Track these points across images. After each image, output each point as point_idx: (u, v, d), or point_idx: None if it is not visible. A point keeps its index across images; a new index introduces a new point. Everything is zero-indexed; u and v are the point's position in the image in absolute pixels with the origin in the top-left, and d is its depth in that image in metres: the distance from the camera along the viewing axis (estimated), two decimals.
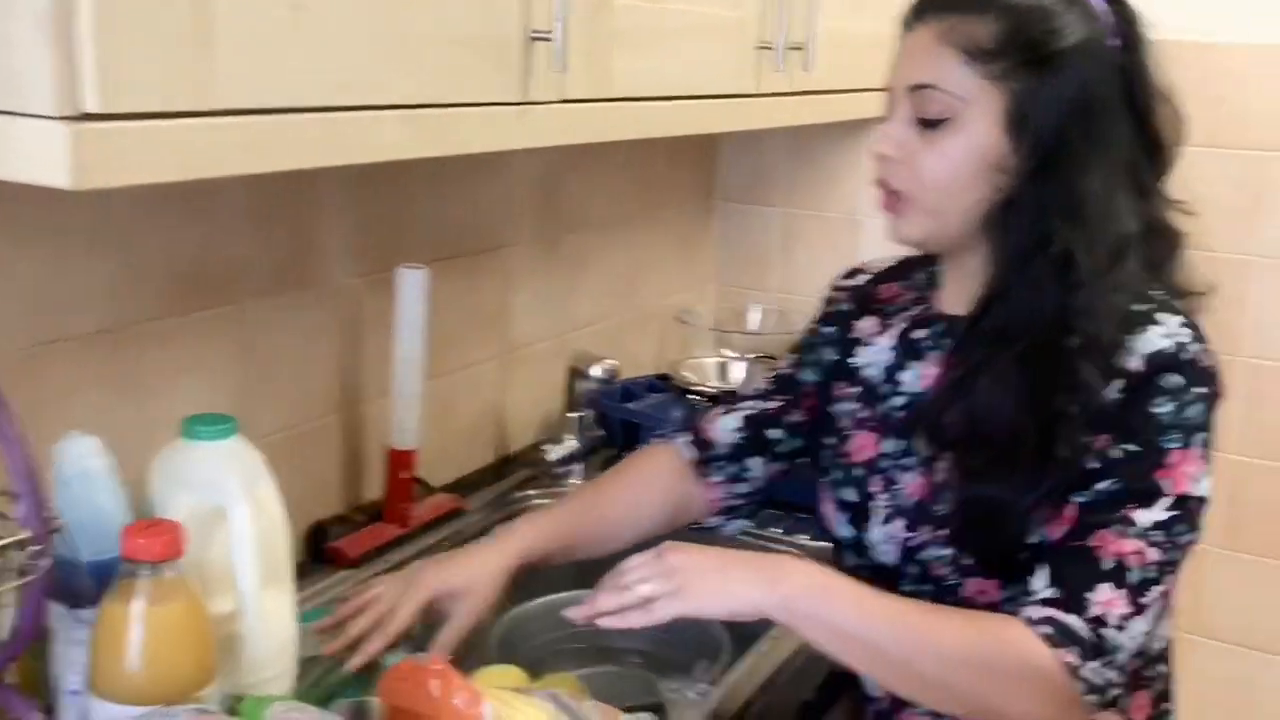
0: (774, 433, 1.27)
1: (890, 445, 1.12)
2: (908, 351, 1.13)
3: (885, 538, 1.11)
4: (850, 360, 1.19)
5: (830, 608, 0.96)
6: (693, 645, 1.50)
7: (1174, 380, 0.95)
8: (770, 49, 1.58)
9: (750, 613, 0.98)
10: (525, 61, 1.13)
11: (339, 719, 0.93)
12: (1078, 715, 0.94)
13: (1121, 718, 1.07)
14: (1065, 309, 0.97)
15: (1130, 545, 0.93)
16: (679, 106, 1.43)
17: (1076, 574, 0.94)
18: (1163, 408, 0.95)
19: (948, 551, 1.05)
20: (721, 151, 2.31)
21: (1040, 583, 0.95)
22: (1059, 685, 0.92)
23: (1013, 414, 0.97)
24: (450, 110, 1.07)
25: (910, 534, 1.09)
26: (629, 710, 1.03)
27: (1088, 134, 0.98)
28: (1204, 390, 0.96)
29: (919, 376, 1.11)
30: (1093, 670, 0.92)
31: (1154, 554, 0.94)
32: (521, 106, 1.15)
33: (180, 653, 0.90)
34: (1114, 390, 0.96)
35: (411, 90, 1.02)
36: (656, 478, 1.31)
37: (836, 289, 1.28)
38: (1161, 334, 0.97)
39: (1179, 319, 0.98)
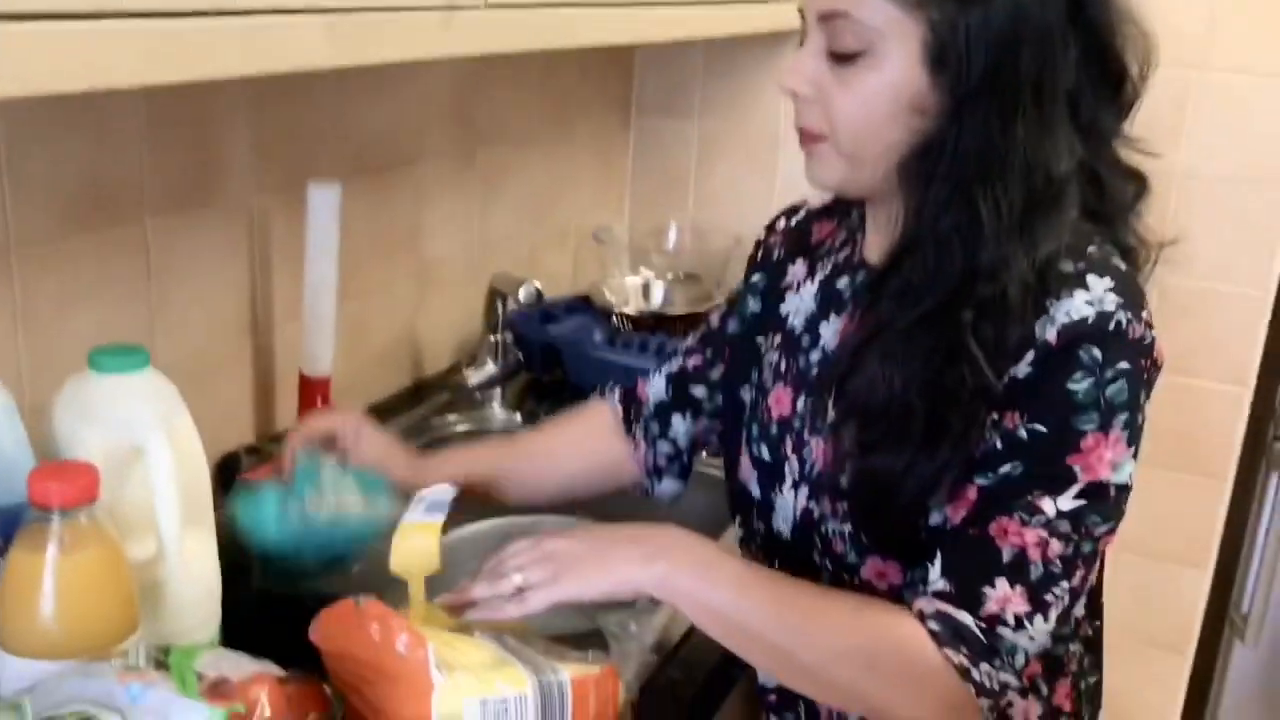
0: (698, 390, 1.22)
1: (803, 404, 1.03)
2: (829, 301, 1.04)
3: (787, 505, 1.04)
4: (780, 308, 1.10)
5: (710, 587, 0.89)
6: None
7: (1093, 354, 0.84)
8: None
9: (629, 591, 0.92)
10: None
11: (269, 664, 0.88)
12: (970, 719, 0.87)
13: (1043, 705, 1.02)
14: (971, 272, 0.86)
15: (1033, 536, 0.85)
16: (606, 13, 1.37)
17: (972, 565, 0.86)
18: (1079, 384, 0.84)
19: (846, 528, 0.97)
20: (637, 64, 2.24)
21: (935, 572, 0.87)
22: (948, 687, 0.85)
23: (902, 384, 0.87)
24: (372, 15, 0.99)
25: (811, 504, 1.01)
26: (568, 641, 0.99)
27: (1018, 68, 0.85)
28: (1127, 366, 0.85)
29: (836, 331, 1.02)
30: (986, 673, 0.85)
31: (1059, 547, 0.85)
32: (446, 11, 1.08)
33: (98, 603, 0.84)
34: (1026, 363, 0.85)
35: None
36: (589, 433, 1.28)
37: (770, 231, 1.20)
38: (1085, 299, 0.85)
39: (1109, 282, 0.86)
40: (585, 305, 1.91)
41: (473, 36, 1.14)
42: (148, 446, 0.91)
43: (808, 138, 0.94)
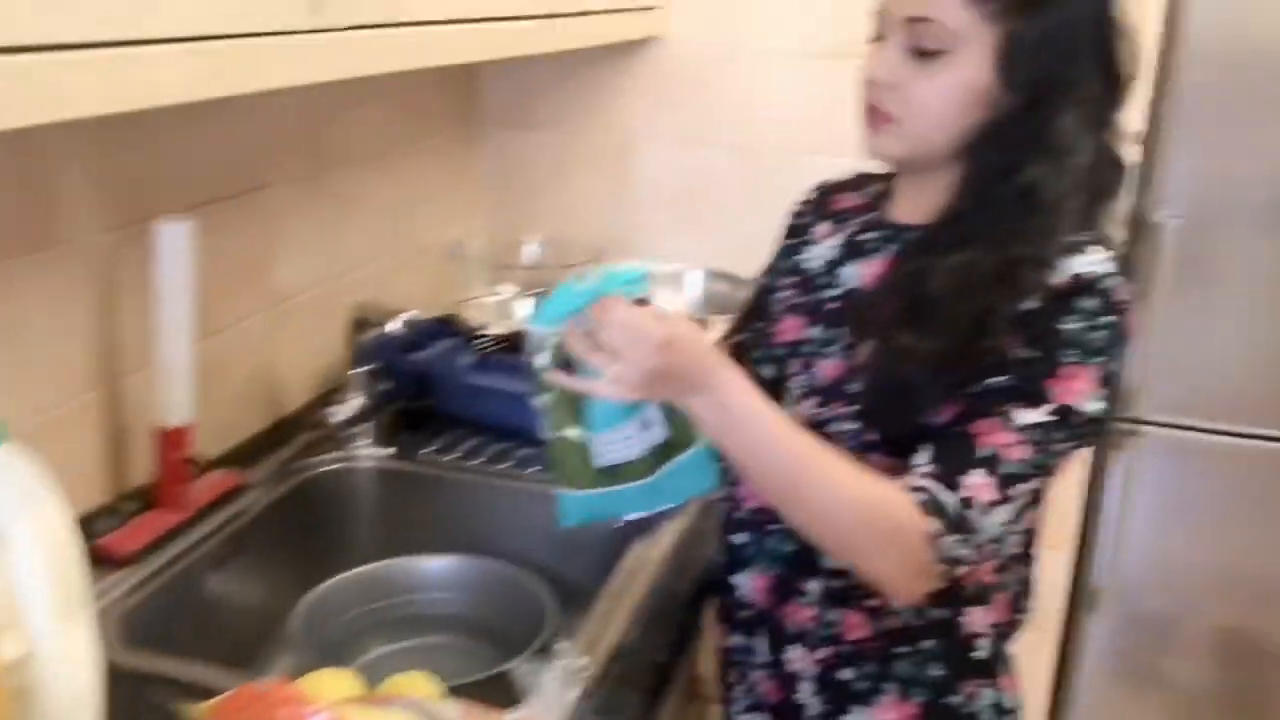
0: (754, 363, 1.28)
1: (816, 331, 1.17)
2: (851, 250, 1.18)
3: (799, 414, 1.14)
4: (797, 257, 1.23)
5: (733, 433, 1.01)
6: (512, 610, 1.43)
7: (1089, 303, 0.99)
8: None
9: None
10: None
11: None
12: (924, 582, 1.01)
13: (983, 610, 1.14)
14: (1020, 229, 1.02)
15: (1006, 437, 0.99)
16: (468, 30, 1.31)
17: (954, 455, 1.00)
18: (1071, 325, 0.99)
19: (853, 426, 1.09)
20: (485, 75, 2.17)
21: (923, 458, 1.01)
22: (917, 549, 0.98)
23: (954, 303, 1.01)
24: (241, 41, 0.92)
25: (820, 410, 1.13)
26: (469, 687, 0.95)
27: (1067, 75, 1.02)
28: (1113, 319, 1.00)
29: (859, 274, 1.15)
30: (950, 543, 0.98)
31: (1026, 451, 0.99)
32: (313, 35, 1.01)
33: None
34: (1034, 300, 1.00)
35: (194, 18, 0.86)
36: None
37: (798, 205, 1.31)
38: (1089, 260, 1.01)
39: (1109, 254, 1.03)
40: (448, 328, 1.83)
41: (346, 57, 1.07)
42: (10, 533, 0.80)
43: (880, 119, 1.07)
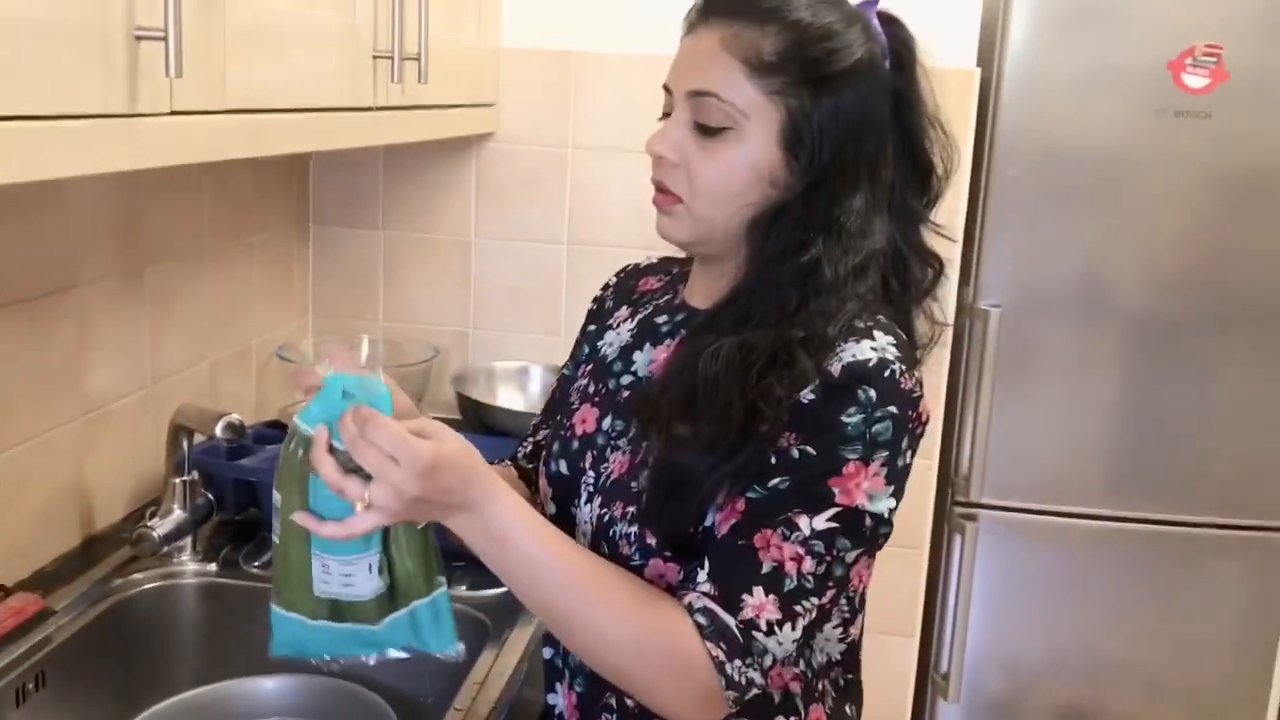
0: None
1: (608, 423, 1.10)
2: (645, 334, 1.13)
3: (587, 518, 1.09)
4: (599, 344, 1.18)
5: (501, 559, 0.94)
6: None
7: (868, 393, 0.94)
8: (388, 58, 1.44)
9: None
10: (131, 64, 0.93)
11: None
12: (714, 710, 0.95)
13: None
14: (801, 309, 0.97)
15: (790, 551, 0.93)
16: (299, 120, 1.26)
17: (735, 572, 0.94)
18: (851, 417, 0.93)
19: (633, 529, 1.02)
20: (313, 170, 2.11)
21: (703, 574, 0.95)
22: (702, 677, 0.93)
23: (726, 387, 0.95)
24: (44, 124, 0.85)
25: (604, 509, 1.06)
26: None
27: (859, 154, 0.98)
28: (895, 411, 0.94)
29: (650, 360, 1.10)
30: (737, 668, 0.93)
31: (810, 564, 0.93)
32: (128, 119, 0.94)
33: None
34: (809, 391, 0.94)
35: None
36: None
37: (605, 288, 1.26)
38: (870, 346, 0.96)
39: (891, 339, 0.98)
40: (278, 433, 1.74)
41: (161, 145, 1.00)
42: None
43: (666, 198, 1.03)
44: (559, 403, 1.23)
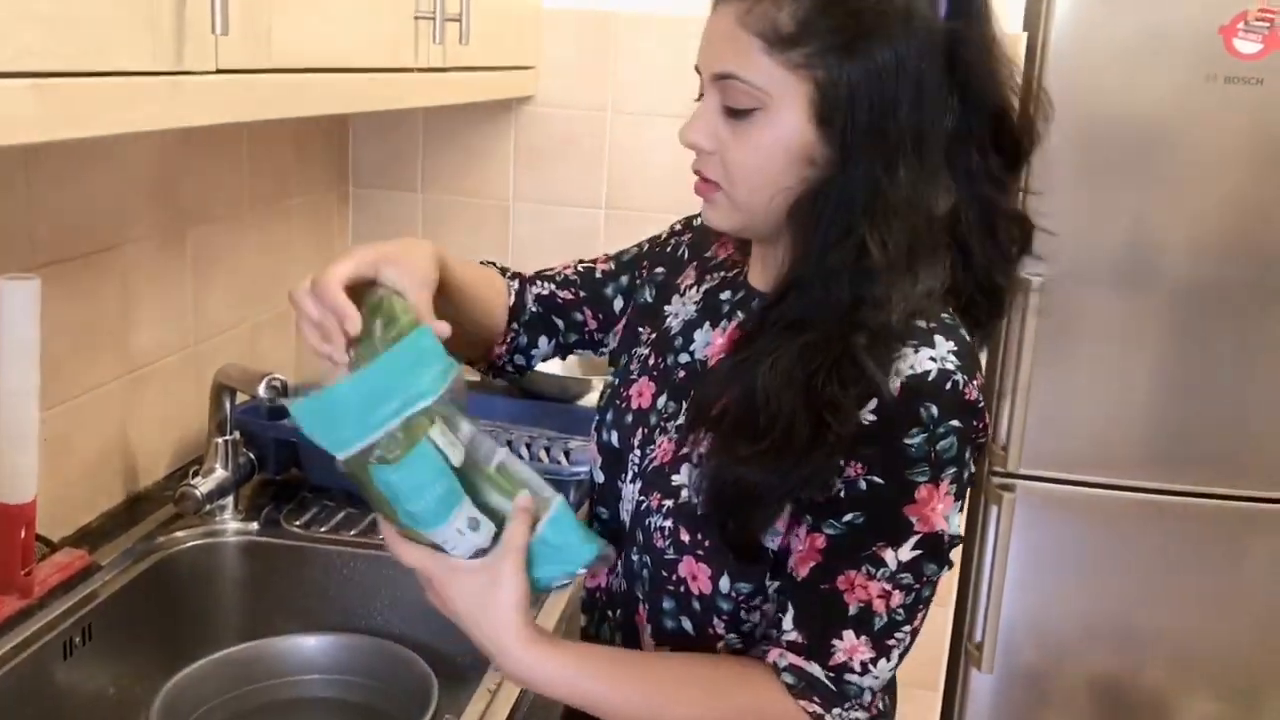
0: (560, 321, 1.22)
1: (663, 402, 1.07)
2: (709, 310, 1.08)
3: (629, 496, 1.07)
4: (665, 306, 1.13)
5: (570, 700, 0.94)
6: (392, 691, 1.36)
7: (930, 410, 0.88)
8: (430, 19, 1.43)
9: None
10: (178, 21, 0.93)
11: None
12: None
13: None
14: (858, 302, 0.89)
15: (877, 588, 0.90)
16: (341, 80, 1.26)
17: (821, 619, 0.91)
18: (913, 439, 0.88)
19: (668, 524, 1.00)
20: (354, 132, 2.11)
21: (787, 622, 0.93)
22: None
23: (787, 404, 0.89)
24: (90, 81, 0.85)
25: (641, 498, 1.03)
26: None
27: (898, 119, 0.88)
28: (958, 424, 0.89)
29: (707, 342, 1.06)
30: (837, 716, 0.92)
31: (900, 597, 0.90)
32: (174, 77, 0.94)
33: None
34: (869, 411, 0.89)
35: (40, 51, 0.79)
36: (495, 300, 1.19)
37: (686, 228, 1.20)
38: (929, 356, 0.89)
39: (953, 345, 0.91)
40: None
41: (206, 104, 1.00)
42: None
43: (706, 186, 0.97)
44: (587, 283, 1.20)
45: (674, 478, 1.00)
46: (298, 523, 1.54)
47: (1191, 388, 2.20)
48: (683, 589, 1.00)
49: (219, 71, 1.01)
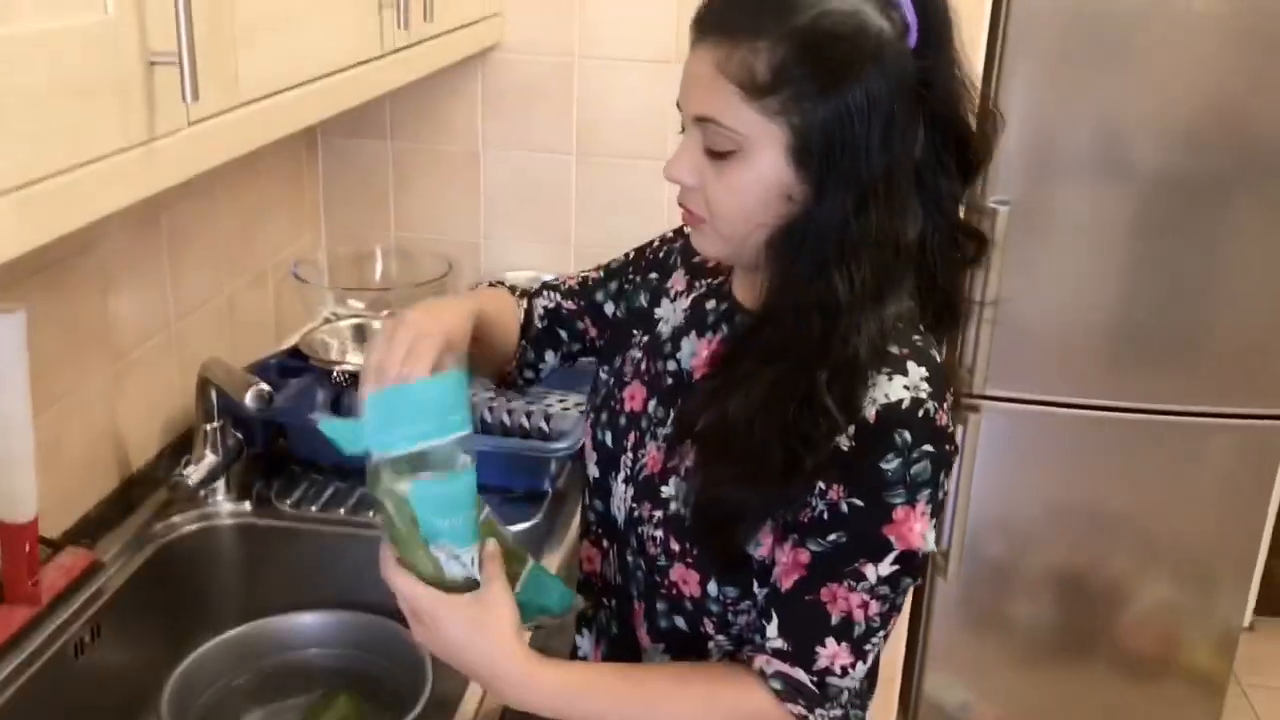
0: (564, 332, 1.27)
1: (652, 407, 1.12)
2: (695, 319, 1.12)
3: (621, 495, 1.13)
4: (656, 310, 1.18)
5: (557, 713, 0.99)
6: (392, 664, 1.43)
7: (904, 436, 0.93)
8: (393, 5, 1.41)
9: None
10: (148, 92, 0.94)
11: None
12: None
13: None
14: (827, 336, 0.94)
15: (857, 599, 0.97)
16: (310, 91, 1.26)
17: (806, 628, 0.98)
18: (889, 464, 0.94)
19: (659, 533, 1.06)
20: None
21: (771, 630, 0.99)
22: None
23: (760, 434, 0.95)
24: (67, 177, 0.86)
25: (633, 505, 1.09)
26: None
27: (870, 157, 0.91)
28: (931, 449, 0.94)
29: (693, 352, 1.10)
30: (820, 716, 1.00)
31: (877, 607, 0.97)
32: (147, 145, 0.95)
33: None
34: (847, 437, 0.94)
35: (21, 164, 0.80)
36: (511, 314, 1.25)
37: (677, 234, 1.23)
38: (903, 384, 0.95)
39: (925, 371, 0.96)
40: (300, 362, 1.78)
41: (180, 160, 1.01)
42: None
43: (690, 218, 1.01)
44: (586, 294, 1.25)
45: (663, 489, 1.06)
46: (288, 501, 1.59)
47: (1154, 295, 2.25)
48: (674, 592, 1.07)
49: (190, 124, 1.01)
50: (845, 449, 0.94)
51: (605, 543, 1.17)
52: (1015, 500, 2.44)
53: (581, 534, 1.23)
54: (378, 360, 0.98)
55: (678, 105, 0.98)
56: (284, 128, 1.21)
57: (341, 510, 1.58)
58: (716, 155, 0.95)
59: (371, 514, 1.51)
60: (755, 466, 0.96)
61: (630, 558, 1.11)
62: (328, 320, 1.95)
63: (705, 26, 0.94)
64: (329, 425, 0.98)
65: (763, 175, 0.94)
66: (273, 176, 1.97)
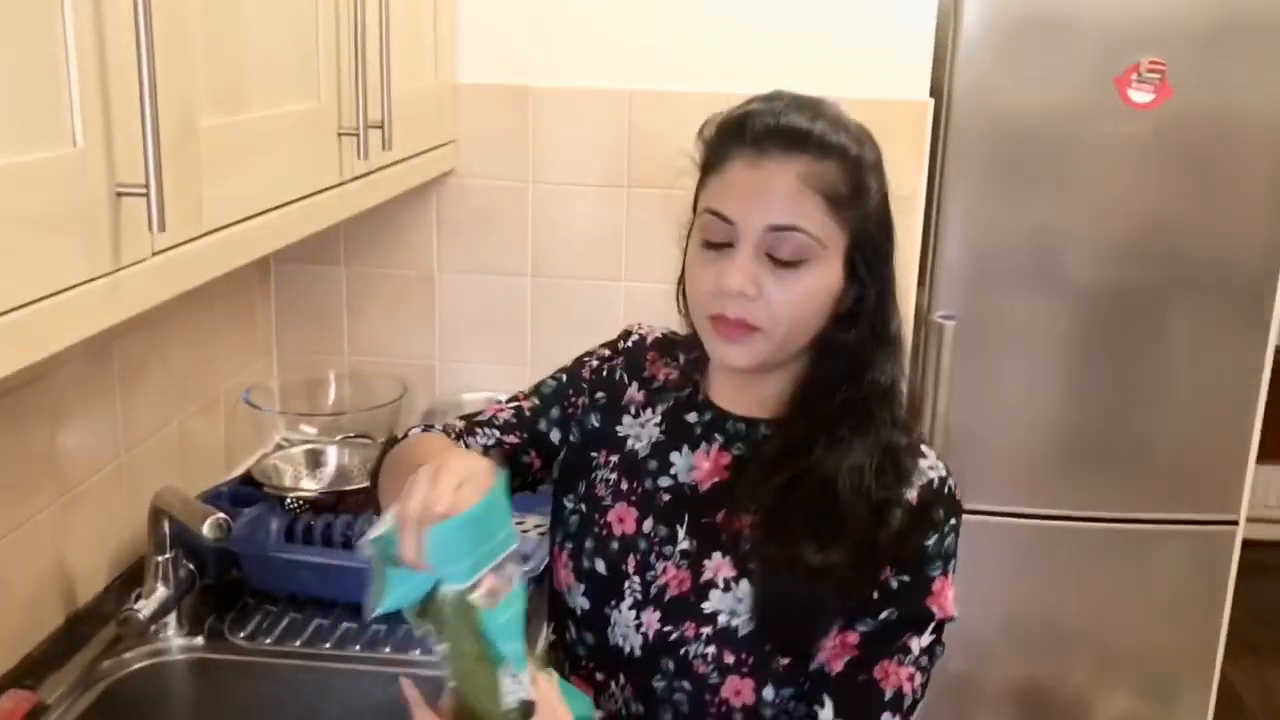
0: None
1: (649, 526, 1.12)
2: (678, 432, 1.14)
3: (630, 623, 1.10)
4: (617, 428, 1.18)
5: None
6: None
7: (939, 513, 1.03)
8: (353, 135, 1.44)
9: None
10: (114, 223, 0.94)
11: None
12: None
13: None
14: (880, 421, 1.05)
15: (906, 672, 1.02)
16: (271, 219, 1.26)
17: (862, 707, 1.02)
18: (930, 540, 1.02)
19: (710, 649, 1.06)
20: None
21: (826, 715, 1.02)
22: None
23: (854, 504, 1.01)
24: (32, 309, 0.85)
25: (669, 628, 1.07)
26: None
27: (890, 252, 1.06)
28: (955, 522, 1.04)
29: (691, 465, 1.12)
30: None
31: (920, 678, 1.03)
32: (111, 276, 0.95)
33: None
34: (896, 519, 1.01)
35: None
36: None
37: (612, 350, 1.24)
38: (928, 465, 1.04)
39: (933, 451, 1.06)
40: (253, 490, 1.75)
41: (145, 289, 1.01)
42: None
43: (739, 329, 1.02)
44: (523, 425, 1.21)
45: (704, 605, 1.06)
46: (242, 634, 1.54)
47: (1102, 402, 2.29)
48: (724, 709, 1.06)
49: (155, 254, 1.01)
50: (896, 529, 1.02)
51: (601, 675, 1.13)
52: (973, 614, 2.41)
53: (559, 670, 1.15)
54: (422, 498, 0.91)
55: (720, 216, 1.01)
56: (245, 255, 1.21)
57: (297, 642, 1.53)
58: (782, 264, 1.00)
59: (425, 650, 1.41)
60: (847, 545, 1.01)
61: (662, 683, 1.08)
62: (280, 446, 1.92)
63: (770, 141, 1.01)
64: (395, 584, 0.94)
65: (829, 281, 1.03)
66: (225, 303, 1.96)
